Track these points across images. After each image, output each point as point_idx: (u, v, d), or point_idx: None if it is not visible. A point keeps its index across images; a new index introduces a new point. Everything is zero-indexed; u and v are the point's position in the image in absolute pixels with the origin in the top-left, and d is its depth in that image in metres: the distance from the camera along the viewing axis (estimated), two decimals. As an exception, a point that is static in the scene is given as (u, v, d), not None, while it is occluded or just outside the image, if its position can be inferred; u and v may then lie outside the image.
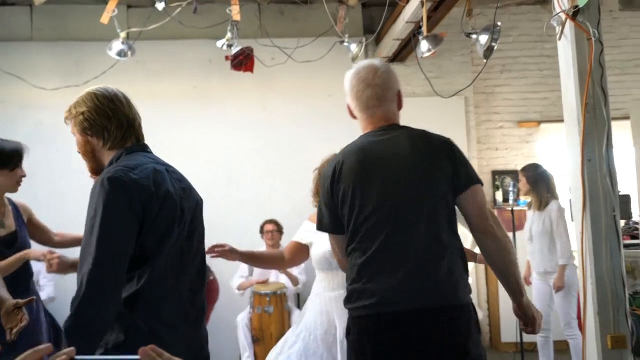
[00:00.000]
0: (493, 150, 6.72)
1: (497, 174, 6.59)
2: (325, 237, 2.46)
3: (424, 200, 1.91)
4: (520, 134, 6.81)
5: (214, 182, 6.11)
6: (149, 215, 1.79)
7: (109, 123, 1.98)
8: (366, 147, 1.99)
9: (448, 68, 6.45)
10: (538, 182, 4.97)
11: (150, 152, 2.04)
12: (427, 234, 1.90)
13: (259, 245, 5.84)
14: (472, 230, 1.97)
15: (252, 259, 2.93)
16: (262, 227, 5.91)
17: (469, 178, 1.96)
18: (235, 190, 6.30)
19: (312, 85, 6.37)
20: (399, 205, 1.91)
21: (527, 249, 5.17)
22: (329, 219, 2.02)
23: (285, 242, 5.57)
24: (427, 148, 1.97)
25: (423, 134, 2.00)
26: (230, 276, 5.77)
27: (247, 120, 6.39)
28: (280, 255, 2.97)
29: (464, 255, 1.98)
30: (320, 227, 2.06)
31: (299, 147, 6.26)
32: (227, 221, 5.90)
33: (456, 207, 1.94)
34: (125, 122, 2.00)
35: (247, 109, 6.39)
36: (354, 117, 2.14)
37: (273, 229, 5.82)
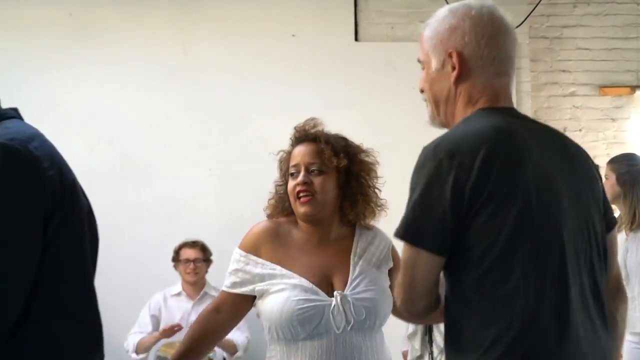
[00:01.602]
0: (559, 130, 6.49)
1: (566, 169, 6.53)
2: (295, 282, 2.69)
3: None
4: (603, 105, 6.79)
5: (99, 173, 6.05)
6: (58, 213, 2.02)
7: None
8: (530, 136, 2.10)
9: (488, -2, 6.45)
10: (635, 183, 4.97)
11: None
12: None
13: (170, 281, 5.84)
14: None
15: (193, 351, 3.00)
16: (177, 253, 5.83)
17: None
18: (134, 188, 6.27)
19: (266, 19, 6.43)
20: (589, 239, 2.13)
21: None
22: (441, 234, 2.00)
23: (215, 278, 5.62)
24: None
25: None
26: (122, 331, 5.64)
27: (157, 71, 6.35)
28: (215, 324, 2.98)
29: None
30: (418, 240, 2.03)
31: (242, 118, 6.30)
32: (115, 239, 5.54)
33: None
34: None
35: (157, 54, 6.37)
36: (462, 77, 2.16)
37: (196, 257, 5.76)
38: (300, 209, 2.77)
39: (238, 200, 5.93)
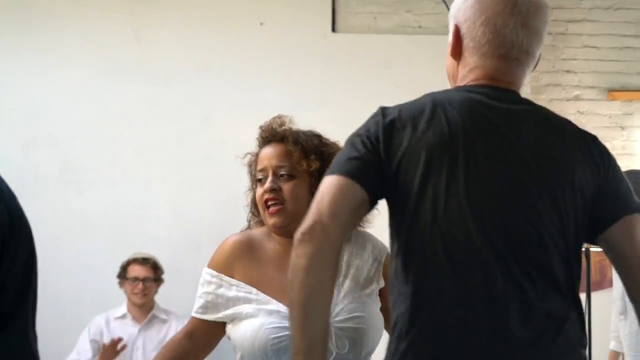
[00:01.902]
0: (562, 139, 6.54)
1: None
2: (271, 308, 2.70)
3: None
4: (611, 111, 6.75)
5: (36, 177, 6.06)
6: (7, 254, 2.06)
7: None
8: (492, 106, 2.19)
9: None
10: None
11: None
12: None
13: (114, 302, 5.78)
14: None
15: None
16: (124, 269, 5.76)
17: None
18: (76, 195, 6.19)
19: (230, 5, 6.42)
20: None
21: (614, 326, 5.34)
22: (365, 166, 2.15)
23: (166, 300, 5.70)
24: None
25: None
26: (58, 359, 5.50)
27: (105, 62, 6.28)
28: (186, 351, 2.99)
29: None
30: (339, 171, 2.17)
31: (203, 116, 6.24)
32: (53, 252, 5.71)
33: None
34: None
35: (106, 41, 6.30)
36: (456, 54, 2.31)
37: (146, 276, 5.71)
38: (269, 220, 2.73)
39: (196, 211, 5.90)
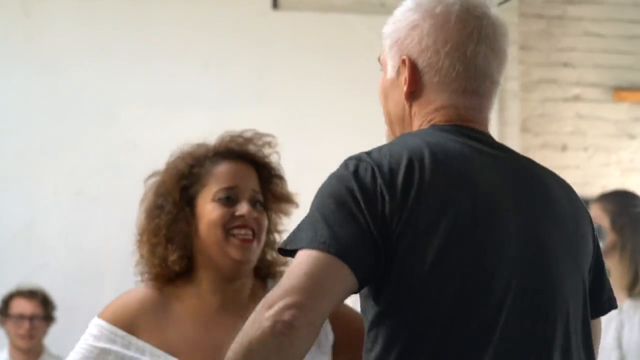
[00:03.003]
0: (556, 149, 7.00)
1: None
2: None
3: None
4: (618, 115, 6.95)
5: None
6: None
7: None
8: (471, 157, 2.17)
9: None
10: (636, 230, 5.05)
11: None
12: None
13: None
14: None
15: None
16: (6, 304, 5.79)
17: None
18: None
19: None
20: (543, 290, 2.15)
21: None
22: (358, 243, 2.01)
23: (57, 343, 5.56)
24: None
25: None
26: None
27: None
28: None
29: None
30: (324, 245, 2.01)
31: (106, 112, 6.23)
32: None
33: None
34: None
35: None
36: (413, 94, 2.26)
37: (34, 313, 5.74)
38: (234, 252, 2.67)
39: (96, 232, 5.86)
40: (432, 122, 2.22)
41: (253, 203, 2.70)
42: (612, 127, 6.87)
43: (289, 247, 2.03)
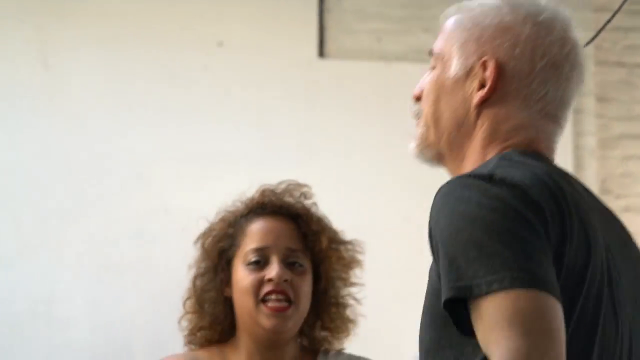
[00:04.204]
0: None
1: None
2: None
3: None
4: None
5: None
6: None
7: None
8: (587, 199, 2.19)
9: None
10: None
11: None
12: None
13: None
14: None
15: None
16: None
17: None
18: None
19: (174, 19, 6.28)
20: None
21: None
22: (551, 273, 1.99)
23: None
24: None
25: None
26: None
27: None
28: None
29: None
30: (538, 283, 1.94)
31: (136, 173, 6.03)
32: None
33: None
34: None
35: (3, 66, 6.15)
36: (491, 97, 2.24)
37: None
38: (265, 321, 2.71)
39: (124, 306, 5.68)
40: (506, 144, 2.18)
41: (288, 264, 2.72)
42: None
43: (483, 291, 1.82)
